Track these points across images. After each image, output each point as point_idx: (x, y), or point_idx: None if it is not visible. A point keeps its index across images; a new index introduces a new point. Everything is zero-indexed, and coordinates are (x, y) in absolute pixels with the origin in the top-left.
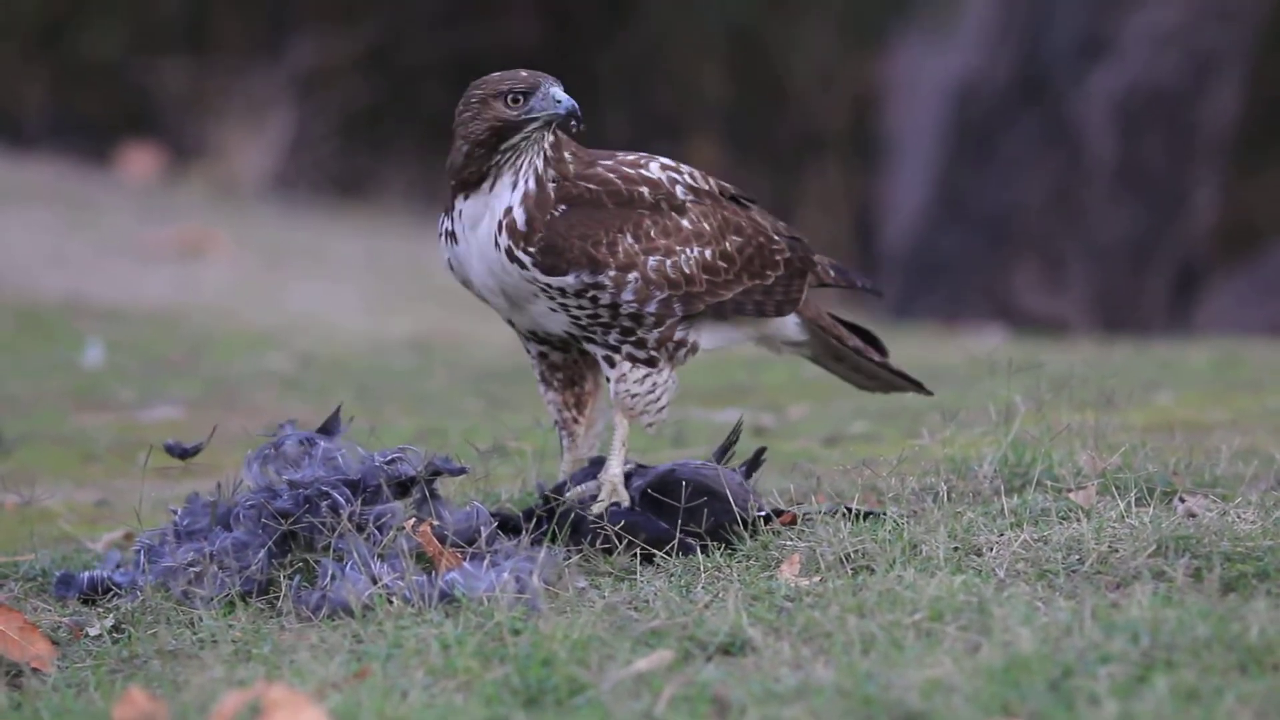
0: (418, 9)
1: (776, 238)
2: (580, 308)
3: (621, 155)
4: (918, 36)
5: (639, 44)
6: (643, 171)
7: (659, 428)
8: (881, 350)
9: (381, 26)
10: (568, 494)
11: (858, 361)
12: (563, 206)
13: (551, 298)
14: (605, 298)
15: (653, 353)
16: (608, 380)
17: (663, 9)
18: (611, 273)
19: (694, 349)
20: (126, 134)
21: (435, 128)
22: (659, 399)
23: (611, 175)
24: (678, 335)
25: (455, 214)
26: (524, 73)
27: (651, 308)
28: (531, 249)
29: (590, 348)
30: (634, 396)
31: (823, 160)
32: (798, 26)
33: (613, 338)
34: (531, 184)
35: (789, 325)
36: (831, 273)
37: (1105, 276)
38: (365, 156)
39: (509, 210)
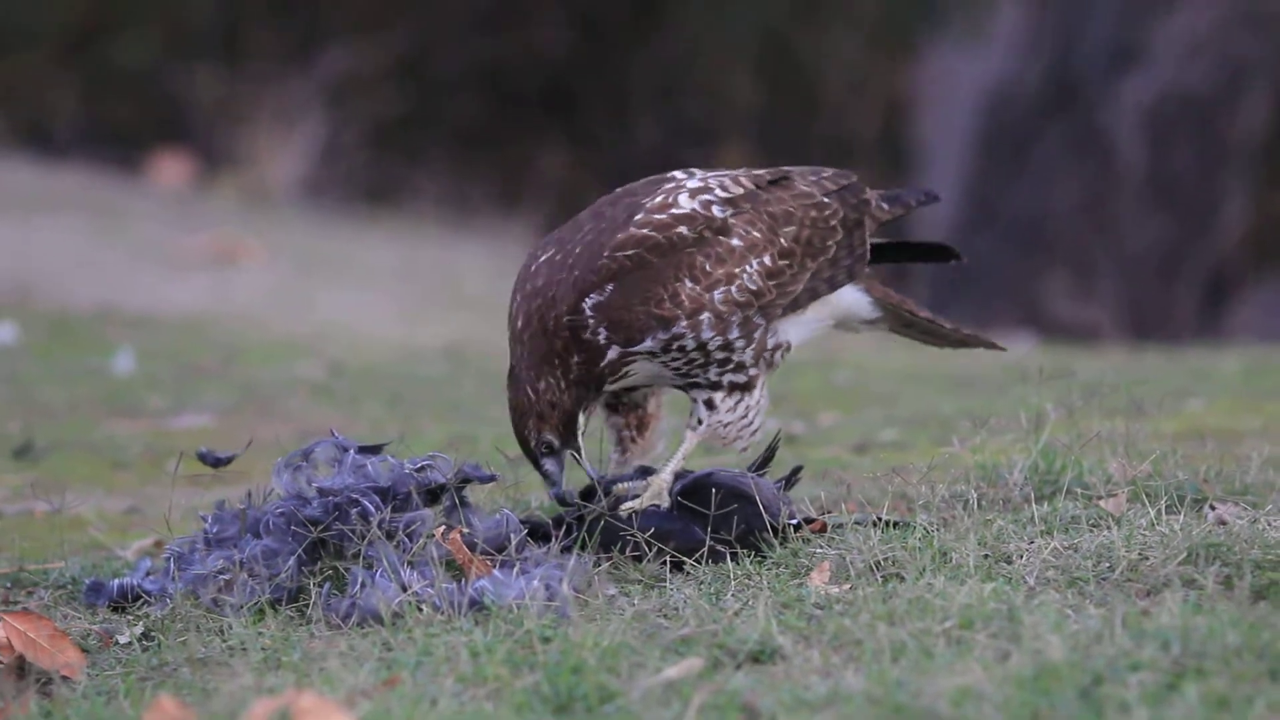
0: (449, 18)
1: (825, 199)
2: (674, 359)
3: (647, 202)
4: (949, 43)
5: (670, 51)
6: (674, 211)
7: (753, 448)
8: (955, 254)
9: (413, 35)
10: (616, 487)
11: (929, 328)
12: (610, 285)
13: (648, 360)
14: (690, 343)
15: (752, 371)
16: (699, 422)
17: (693, 16)
18: (684, 322)
19: (787, 348)
20: (158, 142)
21: (466, 136)
22: (751, 421)
23: (645, 231)
24: (770, 343)
25: None
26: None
27: (735, 333)
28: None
29: (695, 394)
30: (727, 425)
31: (854, 166)
32: (828, 33)
33: (713, 373)
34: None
35: (863, 307)
36: (885, 206)
37: (1135, 284)
38: (396, 165)
39: None
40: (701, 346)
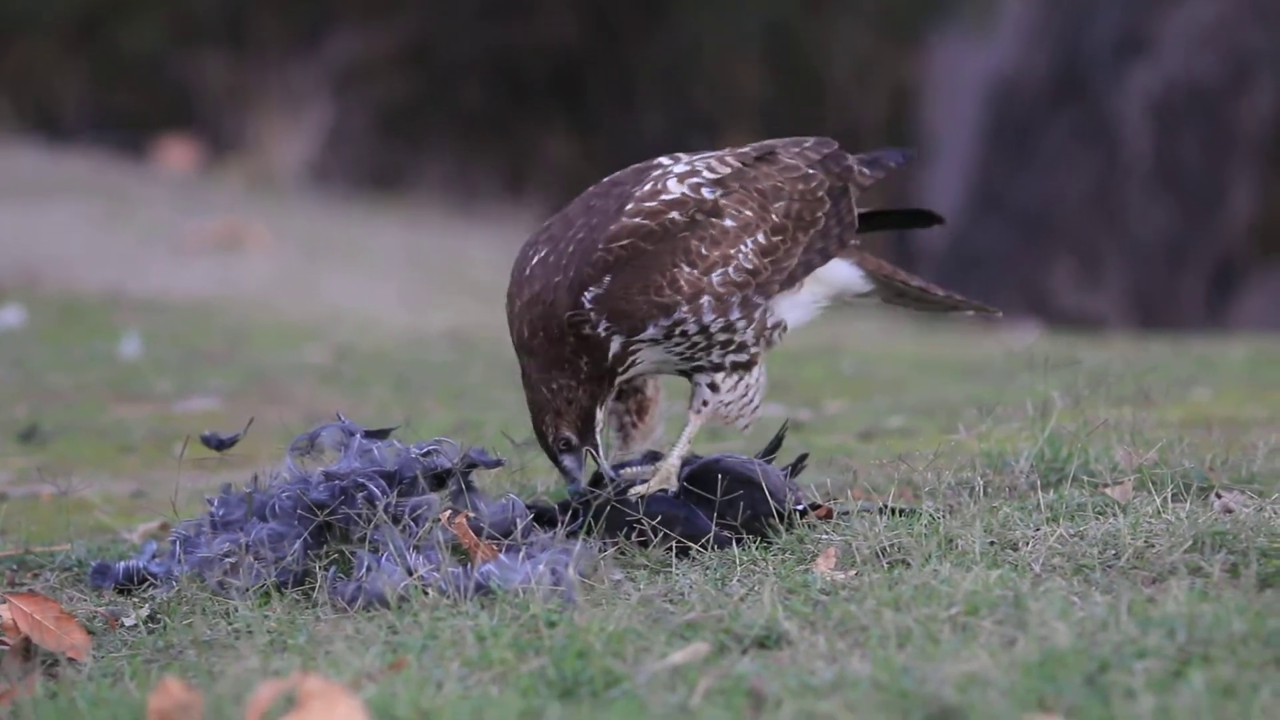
0: (456, 5)
1: (810, 171)
2: (676, 344)
3: (637, 190)
4: (956, 33)
5: (676, 41)
6: (664, 197)
7: (753, 426)
8: (938, 219)
9: (420, 22)
10: (624, 471)
11: (921, 296)
12: (607, 277)
13: (652, 346)
14: (692, 327)
15: (754, 350)
16: (704, 404)
17: (700, 4)
18: (685, 307)
19: (784, 327)
20: (165, 127)
21: (473, 123)
22: (752, 400)
23: (637, 220)
24: (770, 321)
25: None
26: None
27: (735, 313)
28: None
29: (698, 378)
30: (728, 405)
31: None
32: (835, 22)
33: (715, 355)
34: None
35: (856, 281)
36: (866, 172)
37: (1142, 273)
38: (403, 151)
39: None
40: (704, 330)
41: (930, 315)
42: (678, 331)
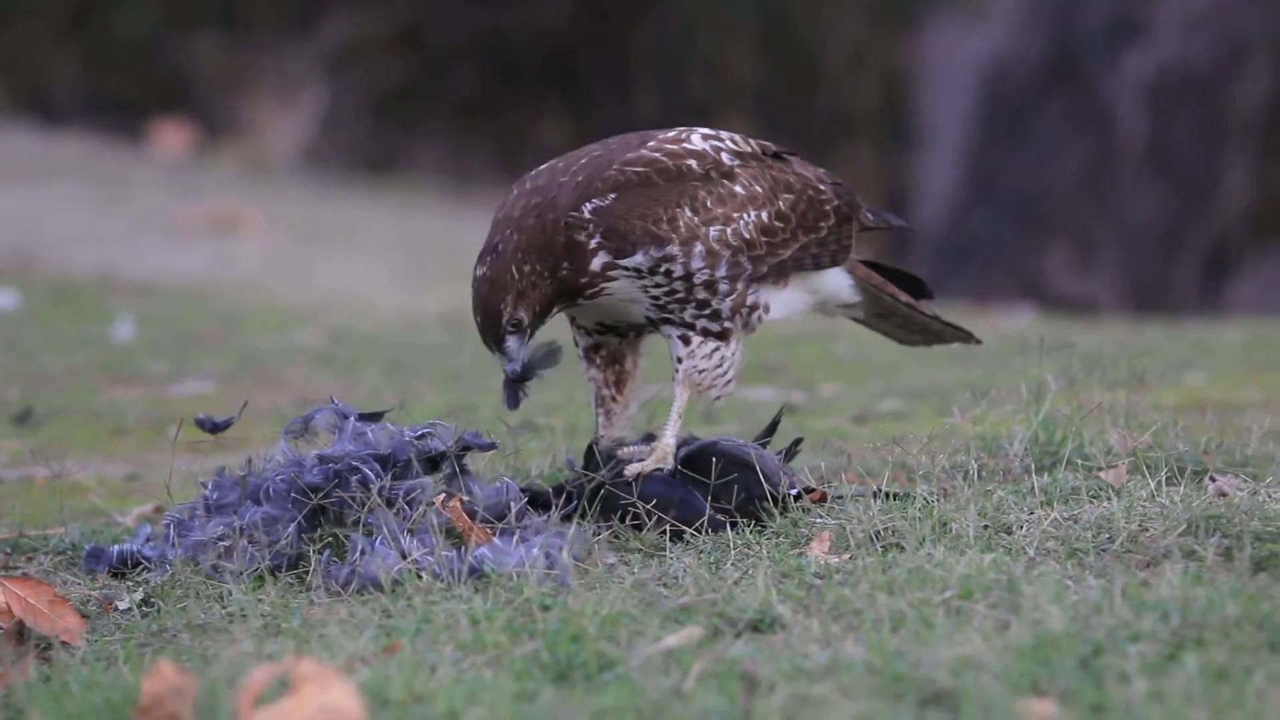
0: None
1: (822, 187)
2: (657, 285)
3: (661, 134)
4: (950, 17)
5: (670, 24)
6: (686, 145)
7: (725, 400)
8: (927, 293)
9: (412, 6)
10: (620, 451)
11: (908, 315)
12: (613, 195)
13: (632, 278)
14: (678, 269)
15: (726, 324)
16: (678, 361)
17: None
18: (677, 245)
19: (766, 309)
20: (159, 110)
21: (466, 107)
22: (726, 372)
23: (657, 155)
24: (749, 299)
25: None
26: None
27: (722, 271)
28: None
29: (667, 330)
30: (702, 372)
31: (854, 141)
32: (829, 6)
33: (689, 314)
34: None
35: (844, 289)
36: (869, 216)
37: (1136, 257)
38: (396, 134)
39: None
40: (688, 276)
41: (927, 307)
42: (663, 269)
